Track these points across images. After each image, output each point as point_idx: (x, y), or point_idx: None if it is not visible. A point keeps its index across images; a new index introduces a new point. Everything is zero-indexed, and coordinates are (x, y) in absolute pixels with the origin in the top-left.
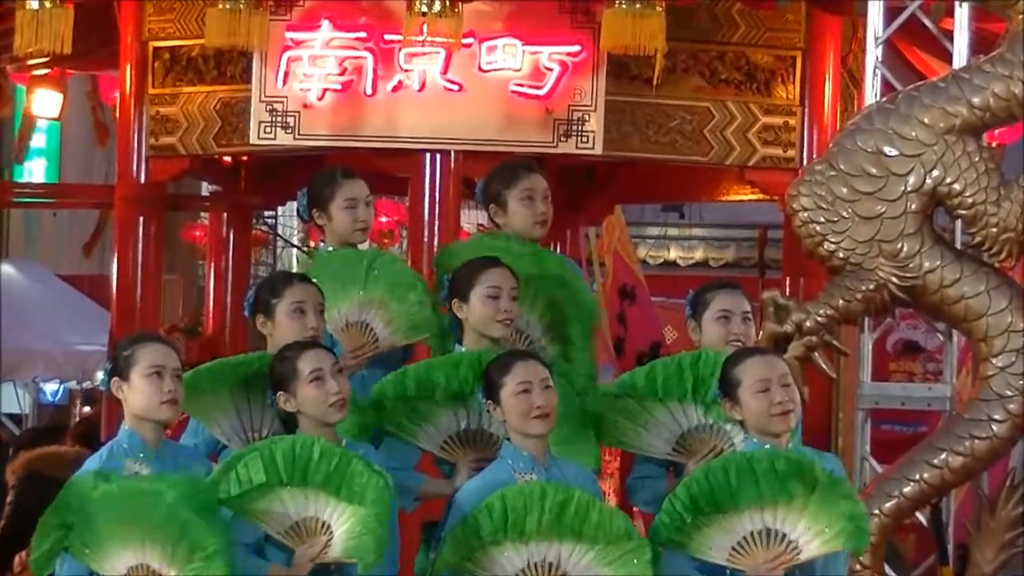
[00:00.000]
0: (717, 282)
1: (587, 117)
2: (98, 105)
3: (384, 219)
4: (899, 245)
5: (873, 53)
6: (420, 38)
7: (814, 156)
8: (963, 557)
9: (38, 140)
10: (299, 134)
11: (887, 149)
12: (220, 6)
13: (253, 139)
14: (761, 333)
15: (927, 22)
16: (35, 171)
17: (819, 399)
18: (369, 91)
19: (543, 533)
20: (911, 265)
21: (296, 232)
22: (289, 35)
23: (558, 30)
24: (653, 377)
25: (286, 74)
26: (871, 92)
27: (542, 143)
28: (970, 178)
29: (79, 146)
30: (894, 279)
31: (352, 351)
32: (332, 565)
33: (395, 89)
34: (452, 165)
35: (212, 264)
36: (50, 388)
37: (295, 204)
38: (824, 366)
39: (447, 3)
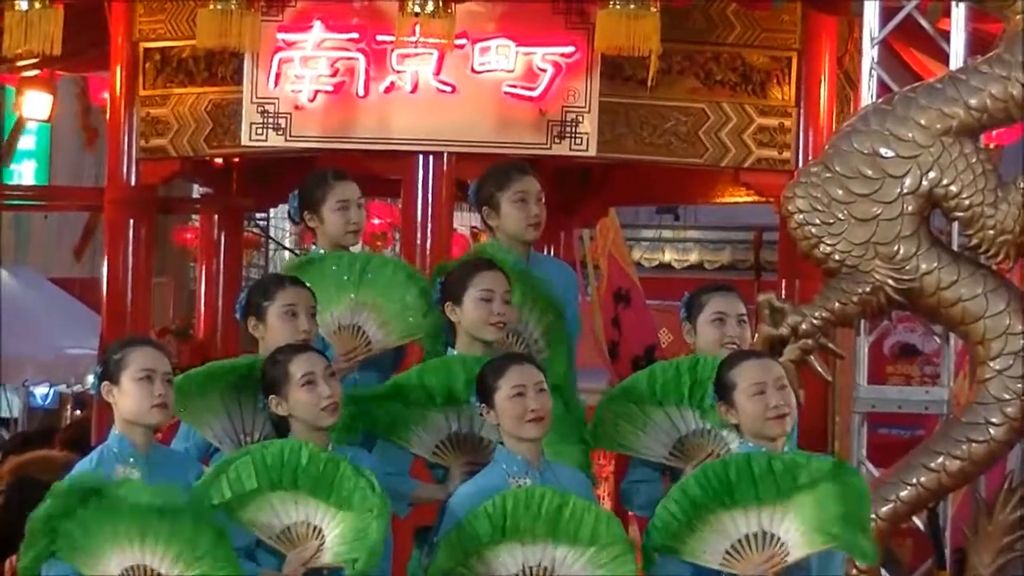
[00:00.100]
0: (712, 285)
1: (581, 118)
2: (87, 108)
3: (376, 221)
4: (895, 247)
5: (869, 54)
6: (413, 39)
7: (810, 158)
8: (960, 561)
9: (28, 142)
10: (291, 136)
11: (883, 151)
12: (211, 7)
13: (244, 141)
14: (756, 336)
15: (924, 22)
16: (25, 173)
17: (815, 402)
18: (361, 92)
19: (538, 537)
20: (908, 267)
21: (288, 234)
22: (281, 36)
23: (552, 31)
24: (653, 381)
25: (277, 75)
26: (867, 93)
27: (536, 145)
28: (967, 180)
29: (69, 148)
30: (890, 281)
31: (344, 354)
32: (324, 570)
33: (387, 90)
34: (445, 167)
35: (203, 267)
36: (40, 392)
37: (287, 206)
38: (820, 369)
39: (440, 4)
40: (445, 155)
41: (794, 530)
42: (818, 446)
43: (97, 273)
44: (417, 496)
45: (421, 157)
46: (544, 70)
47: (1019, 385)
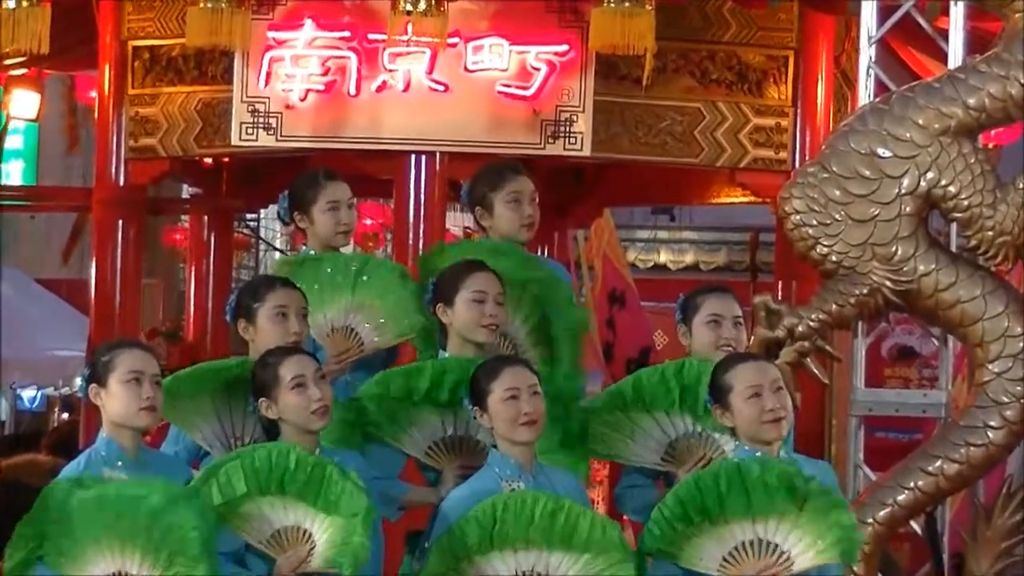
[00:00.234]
0: (708, 286)
1: (575, 118)
2: (72, 107)
3: (368, 222)
4: (893, 248)
5: (867, 53)
6: (405, 38)
7: (806, 158)
8: (958, 566)
9: (15, 141)
10: (281, 135)
11: (881, 151)
12: (201, 5)
13: (234, 140)
14: (752, 338)
15: (922, 21)
16: (12, 173)
17: (812, 405)
18: (353, 91)
19: (531, 542)
20: (905, 269)
21: (279, 235)
22: (271, 35)
23: (545, 29)
24: (639, 387)
25: (268, 74)
26: (865, 92)
27: (529, 144)
28: (965, 180)
29: (57, 148)
30: (888, 283)
31: (336, 356)
32: (313, 575)
33: (379, 89)
34: (437, 167)
35: (193, 268)
36: (28, 395)
37: (277, 207)
38: (817, 372)
39: (432, 2)
40: (438, 155)
41: (798, 541)
42: (815, 450)
43: (85, 274)
44: (408, 500)
45: (413, 157)
46: (538, 69)
47: (1018, 388)
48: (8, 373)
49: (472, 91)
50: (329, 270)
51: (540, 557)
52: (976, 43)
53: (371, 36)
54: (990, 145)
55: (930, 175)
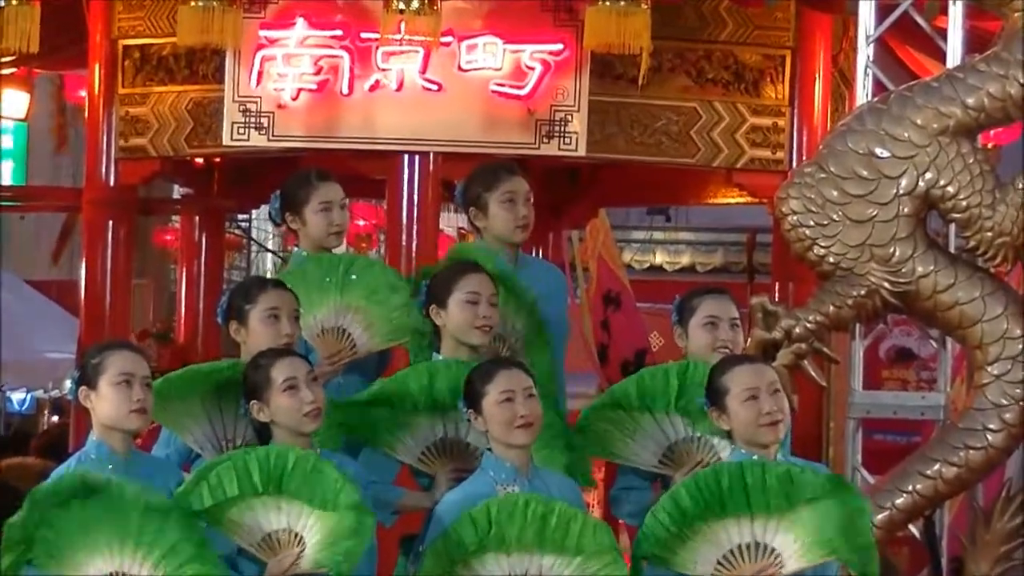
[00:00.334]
0: (704, 287)
1: (570, 118)
2: (61, 107)
3: (361, 223)
4: (891, 249)
5: (864, 52)
6: (398, 36)
7: (804, 158)
8: (957, 571)
9: (4, 141)
10: (273, 135)
11: (879, 151)
12: (192, 3)
13: (226, 140)
14: (749, 340)
15: (920, 20)
16: (1, 173)
17: (809, 408)
18: (345, 91)
19: (525, 545)
20: (903, 270)
21: (271, 236)
22: (263, 33)
23: (540, 28)
24: (642, 387)
25: (260, 73)
26: (862, 92)
27: (524, 144)
28: (964, 181)
29: (47, 148)
30: (886, 284)
31: (328, 357)
32: None
33: (372, 89)
34: (431, 167)
35: (184, 269)
36: (17, 397)
37: (269, 207)
38: (814, 374)
39: (425, 1)
40: (431, 155)
41: (792, 543)
42: (812, 453)
43: (75, 275)
44: (403, 504)
45: (407, 157)
46: (532, 68)
47: (1017, 390)
48: None
49: (466, 90)
50: (317, 270)
51: (533, 560)
52: (975, 42)
53: (364, 35)
54: (989, 145)
55: (928, 175)
